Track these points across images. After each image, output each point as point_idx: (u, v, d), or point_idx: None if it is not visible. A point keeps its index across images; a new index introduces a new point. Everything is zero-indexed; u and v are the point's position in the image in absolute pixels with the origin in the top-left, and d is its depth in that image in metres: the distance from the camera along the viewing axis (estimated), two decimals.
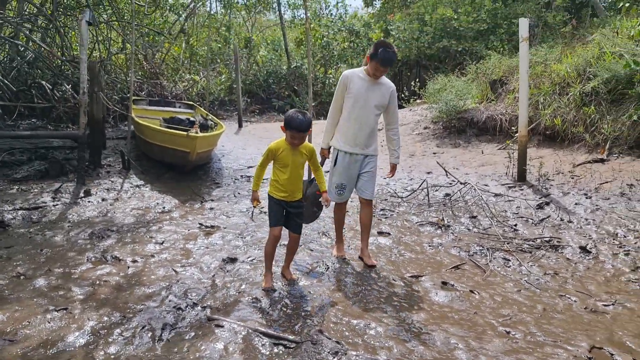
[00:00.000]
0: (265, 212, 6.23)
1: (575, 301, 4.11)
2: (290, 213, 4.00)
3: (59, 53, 11.84)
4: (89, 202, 6.25)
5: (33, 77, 10.96)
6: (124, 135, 9.72)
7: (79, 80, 10.64)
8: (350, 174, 4.53)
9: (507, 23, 15.13)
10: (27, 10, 12.36)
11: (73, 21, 12.96)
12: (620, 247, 5.11)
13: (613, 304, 4.05)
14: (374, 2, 21.53)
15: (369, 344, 3.29)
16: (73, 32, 13.37)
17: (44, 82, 10.51)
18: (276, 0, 21.71)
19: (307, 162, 4.06)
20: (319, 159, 4.29)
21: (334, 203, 4.72)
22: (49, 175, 7.11)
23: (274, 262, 4.17)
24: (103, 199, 6.39)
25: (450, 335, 3.46)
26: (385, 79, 4.45)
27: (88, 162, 7.49)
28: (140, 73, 14.49)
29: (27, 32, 11.59)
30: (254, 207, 3.92)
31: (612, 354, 3.28)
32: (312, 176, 4.22)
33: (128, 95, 11.89)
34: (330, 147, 4.67)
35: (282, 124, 3.81)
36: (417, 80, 13.43)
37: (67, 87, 10.91)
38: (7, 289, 3.88)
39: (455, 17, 15.55)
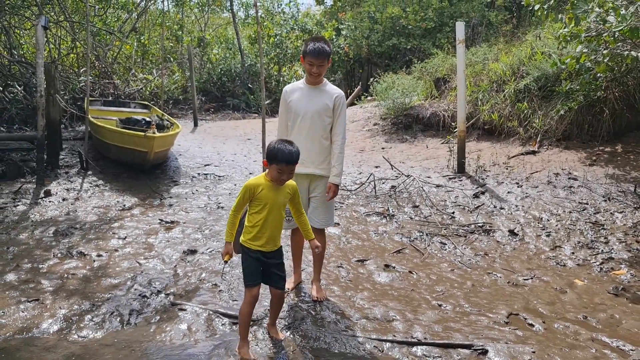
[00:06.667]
0: (220, 205, 6.57)
1: (500, 277, 4.67)
2: (270, 265, 3.34)
3: (5, 53, 11.73)
4: (50, 202, 6.44)
5: None
6: (80, 135, 9.82)
7: (30, 81, 10.73)
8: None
9: (453, 21, 15.83)
10: None
11: (19, 20, 12.83)
12: (543, 229, 5.73)
13: (532, 278, 4.63)
14: (325, 0, 21.97)
15: (317, 319, 3.72)
16: (18, 31, 13.21)
17: None
18: None
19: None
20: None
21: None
22: (6, 177, 7.22)
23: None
24: (64, 199, 6.59)
25: (390, 309, 3.93)
26: (330, 86, 4.07)
27: (46, 164, 7.61)
28: (92, 73, 14.44)
29: None
30: (225, 262, 3.33)
31: (525, 319, 3.84)
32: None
33: (80, 95, 11.94)
34: None
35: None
36: (373, 78, 13.92)
37: (19, 88, 10.87)
38: None
39: (404, 15, 16.16)
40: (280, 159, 3.12)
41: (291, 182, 3.33)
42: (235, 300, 3.99)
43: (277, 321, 3.60)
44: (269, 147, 3.21)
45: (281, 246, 3.43)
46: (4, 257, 4.74)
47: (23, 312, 3.69)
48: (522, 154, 8.12)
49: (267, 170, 3.27)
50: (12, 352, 3.23)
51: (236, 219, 3.27)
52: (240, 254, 3.41)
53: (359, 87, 16.00)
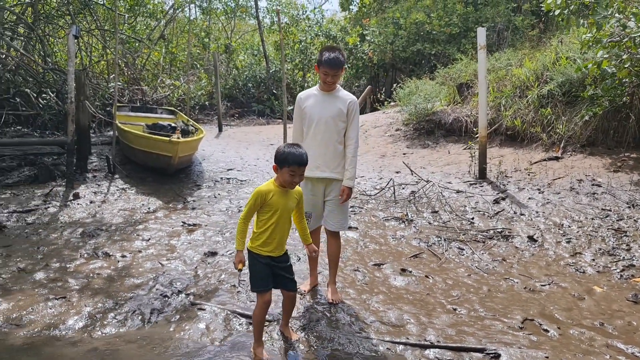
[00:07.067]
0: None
1: (517, 282, 4.66)
2: (280, 268, 3.40)
3: (40, 61, 12.16)
4: (78, 204, 6.68)
5: (15, 84, 11.29)
6: (108, 140, 10.11)
7: (62, 88, 11.10)
8: (316, 201, 4.13)
9: (478, 26, 15.74)
10: (7, 18, 12.61)
11: (53, 29, 13.28)
12: (563, 235, 5.69)
13: (549, 284, 4.61)
14: (350, 7, 22.09)
15: (332, 321, 3.80)
16: (52, 40, 13.67)
17: (28, 90, 10.87)
18: (254, 6, 22.18)
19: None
20: None
21: None
22: (38, 180, 7.52)
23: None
24: (91, 202, 6.82)
25: (404, 312, 3.98)
26: (343, 92, 4.14)
27: (75, 167, 7.88)
28: (121, 79, 14.82)
29: (8, 40, 11.85)
30: (239, 270, 3.26)
31: (540, 324, 3.84)
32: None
33: (109, 101, 12.30)
34: None
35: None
36: (397, 83, 13.95)
37: (52, 94, 11.26)
38: (10, 282, 4.33)
39: (428, 21, 16.16)
40: (292, 162, 3.19)
41: (297, 187, 3.42)
42: (253, 301, 4.08)
43: (292, 322, 3.69)
44: (278, 151, 3.27)
45: (287, 249, 3.52)
46: (35, 256, 4.95)
47: (51, 309, 3.87)
48: (544, 159, 8.05)
49: (275, 176, 3.34)
50: (39, 346, 3.39)
51: (246, 227, 3.28)
52: None
53: (369, 87, 16.10)
